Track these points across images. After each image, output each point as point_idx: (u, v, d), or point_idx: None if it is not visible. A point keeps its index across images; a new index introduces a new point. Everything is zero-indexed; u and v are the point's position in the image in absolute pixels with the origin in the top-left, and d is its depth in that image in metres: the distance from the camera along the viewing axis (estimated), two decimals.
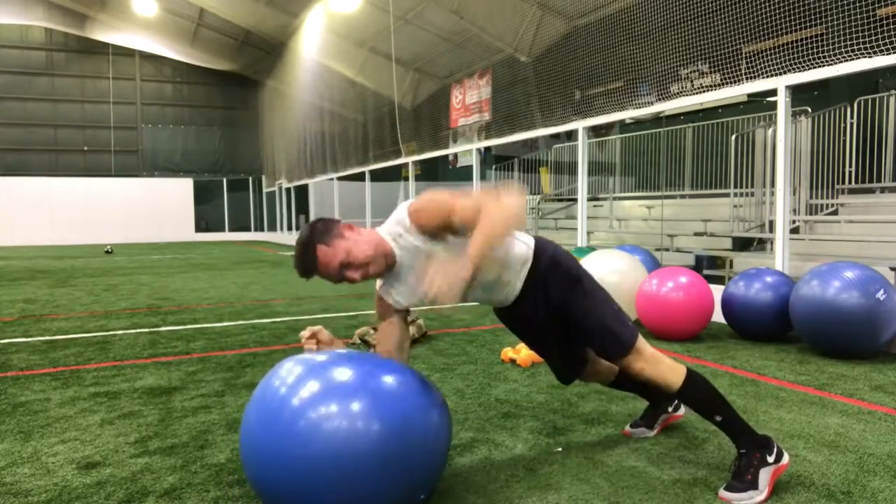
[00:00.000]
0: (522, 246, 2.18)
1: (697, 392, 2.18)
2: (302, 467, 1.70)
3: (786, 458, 2.11)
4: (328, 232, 1.93)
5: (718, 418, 2.15)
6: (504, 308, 2.32)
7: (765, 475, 2.05)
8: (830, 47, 4.74)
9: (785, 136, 5.15)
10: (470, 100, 11.13)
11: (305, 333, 2.08)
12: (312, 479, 1.71)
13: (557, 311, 2.23)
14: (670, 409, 2.67)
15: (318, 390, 1.75)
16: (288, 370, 1.83)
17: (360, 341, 4.47)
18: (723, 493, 2.06)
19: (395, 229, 2.01)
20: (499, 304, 2.31)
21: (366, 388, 1.76)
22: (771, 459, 2.07)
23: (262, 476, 1.77)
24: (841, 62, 4.67)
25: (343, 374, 1.78)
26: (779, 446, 2.12)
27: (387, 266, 2.03)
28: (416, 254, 2.02)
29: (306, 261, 1.93)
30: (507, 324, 2.43)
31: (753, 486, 2.03)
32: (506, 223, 1.79)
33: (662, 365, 2.17)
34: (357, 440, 1.70)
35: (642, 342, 2.19)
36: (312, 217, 19.91)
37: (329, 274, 1.95)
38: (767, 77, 5.25)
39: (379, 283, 2.16)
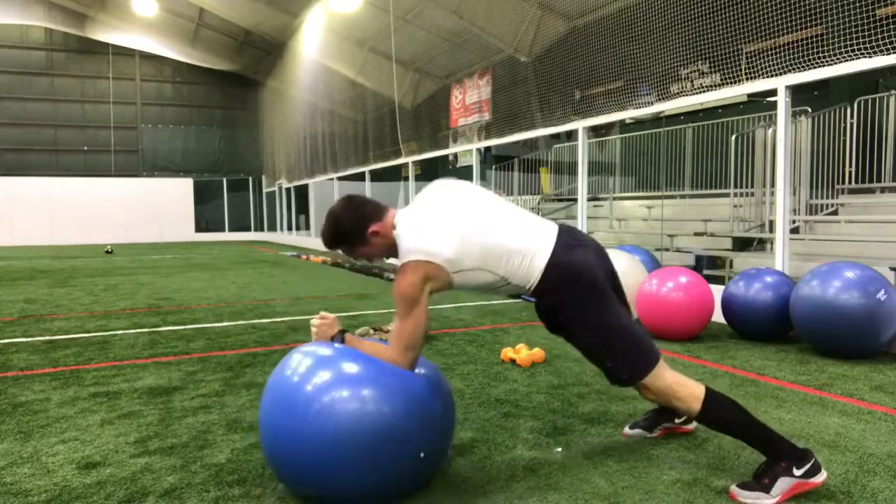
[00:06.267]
0: (534, 271, 2.16)
1: (717, 416, 2.16)
2: (310, 443, 1.92)
3: (820, 477, 2.04)
4: (357, 236, 2.21)
5: (743, 438, 2.15)
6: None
7: (783, 484, 2.01)
8: (830, 47, 4.74)
9: (785, 136, 5.15)
10: (470, 100, 11.13)
11: (316, 322, 2.25)
12: (321, 453, 1.91)
13: (561, 329, 2.27)
14: (677, 421, 2.63)
15: (330, 375, 2.00)
16: (298, 360, 2.08)
17: None
18: (734, 488, 2.07)
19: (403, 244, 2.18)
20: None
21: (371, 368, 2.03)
22: (798, 472, 2.02)
23: (279, 455, 2.00)
24: (841, 62, 4.67)
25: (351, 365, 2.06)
26: (817, 463, 2.05)
27: None
28: None
29: (332, 248, 2.29)
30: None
31: (765, 489, 2.01)
32: (375, 356, 2.07)
33: (671, 398, 2.17)
34: (361, 415, 1.93)
35: (655, 376, 2.16)
36: (312, 217, 20.02)
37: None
38: (767, 77, 5.25)
39: None
